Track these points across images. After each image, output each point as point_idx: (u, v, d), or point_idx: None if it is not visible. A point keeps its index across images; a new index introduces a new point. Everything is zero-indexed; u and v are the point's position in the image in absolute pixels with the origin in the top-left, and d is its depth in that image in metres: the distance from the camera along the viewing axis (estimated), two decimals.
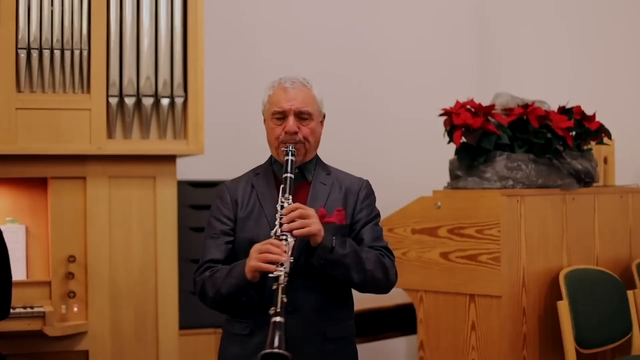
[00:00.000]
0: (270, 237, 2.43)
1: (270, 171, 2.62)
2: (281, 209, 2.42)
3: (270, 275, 2.33)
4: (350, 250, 2.47)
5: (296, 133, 2.53)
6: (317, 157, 2.65)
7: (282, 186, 2.47)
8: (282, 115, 2.54)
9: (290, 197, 2.44)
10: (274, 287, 2.30)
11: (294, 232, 2.38)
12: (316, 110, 2.58)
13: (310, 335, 2.48)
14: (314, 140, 2.58)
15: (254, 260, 2.37)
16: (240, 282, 2.42)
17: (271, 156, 2.65)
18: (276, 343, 2.19)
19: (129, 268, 4.29)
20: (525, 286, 3.77)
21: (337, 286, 2.55)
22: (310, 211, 2.43)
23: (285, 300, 2.27)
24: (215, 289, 2.49)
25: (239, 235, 2.57)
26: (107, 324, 4.23)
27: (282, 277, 2.30)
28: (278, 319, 2.23)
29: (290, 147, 2.51)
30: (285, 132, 2.53)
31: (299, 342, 2.42)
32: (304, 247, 2.45)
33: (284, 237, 2.38)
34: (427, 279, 3.94)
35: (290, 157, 2.49)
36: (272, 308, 2.26)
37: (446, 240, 3.88)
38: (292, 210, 2.40)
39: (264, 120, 2.64)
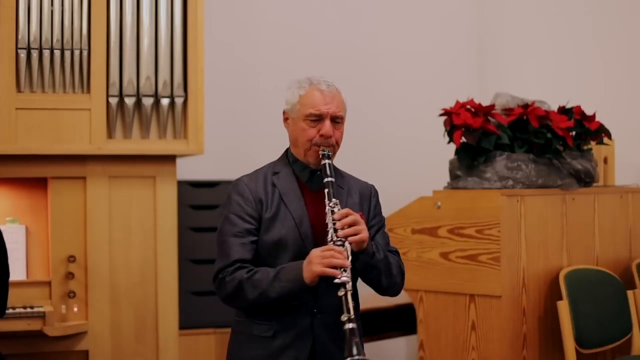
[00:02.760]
0: (299, 238, 2.46)
1: (290, 170, 2.59)
2: (332, 214, 2.41)
3: (336, 281, 2.32)
4: (384, 255, 2.51)
5: (331, 137, 2.52)
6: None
7: (326, 190, 2.45)
8: (317, 118, 2.52)
9: (338, 202, 2.43)
10: (341, 293, 2.29)
11: (350, 238, 2.38)
12: (345, 115, 2.59)
13: (333, 336, 2.48)
14: (340, 144, 2.59)
15: (319, 266, 2.34)
16: (295, 286, 2.40)
17: (287, 155, 2.63)
18: (355, 351, 2.18)
19: (129, 268, 4.29)
20: (525, 286, 3.77)
21: (354, 288, 2.55)
22: (359, 217, 2.44)
23: (354, 304, 2.28)
24: (258, 291, 2.44)
25: (263, 236, 2.53)
26: (107, 324, 4.23)
27: (349, 284, 2.31)
28: (351, 325, 2.23)
29: (327, 151, 2.50)
30: (321, 135, 2.51)
31: (327, 344, 2.46)
32: None
33: (340, 243, 2.37)
34: (427, 279, 3.94)
35: (327, 161, 2.49)
36: (345, 315, 2.25)
37: (446, 240, 3.88)
38: (344, 216, 2.40)
39: (286, 119, 2.60)
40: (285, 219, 2.52)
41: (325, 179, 2.47)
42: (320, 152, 2.51)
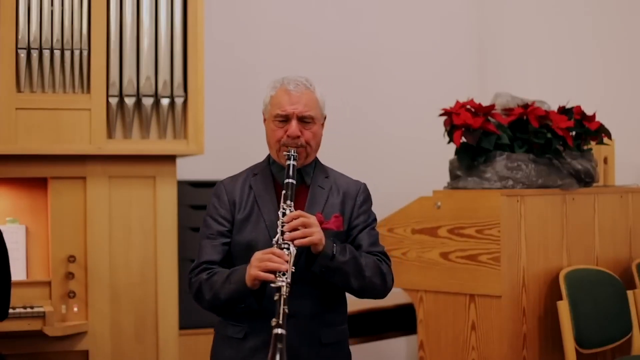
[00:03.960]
0: (269, 242, 2.42)
1: (268, 172, 2.59)
2: (283, 216, 2.39)
3: (271, 285, 2.29)
4: (350, 257, 2.45)
5: (298, 137, 2.50)
6: (316, 160, 2.63)
7: (283, 192, 2.44)
8: (284, 119, 2.51)
9: (292, 204, 2.41)
10: (276, 297, 2.26)
11: (296, 242, 2.35)
12: (318, 114, 2.55)
13: (306, 340, 2.46)
14: (315, 144, 2.56)
15: (254, 269, 2.33)
16: (240, 288, 2.40)
17: (269, 156, 2.62)
18: (277, 357, 2.16)
19: (129, 268, 4.29)
20: (525, 286, 3.77)
21: (332, 291, 2.55)
22: (312, 219, 2.40)
23: (287, 311, 2.23)
24: (212, 292, 2.46)
25: (235, 238, 2.54)
26: (107, 324, 4.23)
27: (284, 288, 2.27)
28: (280, 331, 2.20)
29: (292, 151, 2.48)
30: (288, 136, 2.50)
31: (296, 348, 2.41)
32: (304, 253, 2.42)
33: (286, 246, 2.35)
34: (427, 279, 3.94)
35: (292, 162, 2.47)
36: (274, 320, 2.22)
37: (446, 240, 3.88)
38: (294, 219, 2.37)
39: (264, 119, 2.61)
40: (258, 222, 2.52)
41: (286, 180, 2.45)
42: (285, 153, 2.49)
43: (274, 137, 2.53)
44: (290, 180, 2.44)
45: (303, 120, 2.51)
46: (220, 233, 2.55)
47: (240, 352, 2.52)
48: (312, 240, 2.37)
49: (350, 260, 2.45)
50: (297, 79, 2.55)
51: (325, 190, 2.57)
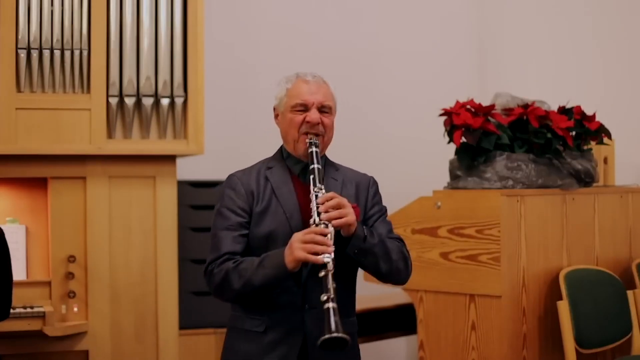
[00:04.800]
0: (290, 233, 2.43)
1: (284, 165, 2.60)
2: (316, 198, 2.41)
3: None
4: (379, 240, 2.49)
5: (318, 124, 2.53)
6: (325, 155, 2.65)
7: (311, 177, 2.45)
8: (304, 108, 2.54)
9: (323, 187, 2.43)
10: (322, 274, 2.28)
11: (334, 222, 2.37)
12: (334, 106, 2.60)
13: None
14: (330, 135, 2.59)
15: (300, 251, 2.33)
16: (278, 272, 2.39)
17: (282, 151, 2.64)
18: (333, 327, 2.19)
19: (129, 268, 4.29)
20: (525, 286, 3.77)
21: (347, 282, 2.57)
22: (345, 200, 2.43)
23: (335, 285, 2.26)
24: (243, 280, 2.43)
25: (254, 230, 2.53)
26: (107, 324, 4.23)
27: (330, 264, 2.29)
28: (331, 304, 2.22)
29: (314, 139, 2.51)
30: (308, 122, 2.52)
31: (317, 338, 2.43)
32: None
33: (324, 225, 2.36)
34: (427, 279, 3.94)
35: (314, 150, 2.49)
36: (324, 294, 2.24)
37: (446, 240, 3.88)
38: (328, 199, 2.39)
39: (276, 115, 2.63)
40: (277, 213, 2.52)
41: (311, 166, 2.47)
42: (307, 141, 2.52)
43: (294, 124, 2.54)
44: (317, 165, 2.47)
45: (322, 109, 2.55)
46: (240, 224, 2.53)
47: (260, 346, 2.50)
48: (348, 220, 2.39)
49: (379, 243, 2.48)
50: (313, 73, 2.61)
51: (338, 181, 2.60)
